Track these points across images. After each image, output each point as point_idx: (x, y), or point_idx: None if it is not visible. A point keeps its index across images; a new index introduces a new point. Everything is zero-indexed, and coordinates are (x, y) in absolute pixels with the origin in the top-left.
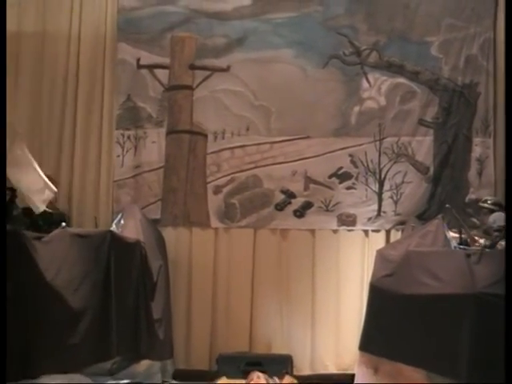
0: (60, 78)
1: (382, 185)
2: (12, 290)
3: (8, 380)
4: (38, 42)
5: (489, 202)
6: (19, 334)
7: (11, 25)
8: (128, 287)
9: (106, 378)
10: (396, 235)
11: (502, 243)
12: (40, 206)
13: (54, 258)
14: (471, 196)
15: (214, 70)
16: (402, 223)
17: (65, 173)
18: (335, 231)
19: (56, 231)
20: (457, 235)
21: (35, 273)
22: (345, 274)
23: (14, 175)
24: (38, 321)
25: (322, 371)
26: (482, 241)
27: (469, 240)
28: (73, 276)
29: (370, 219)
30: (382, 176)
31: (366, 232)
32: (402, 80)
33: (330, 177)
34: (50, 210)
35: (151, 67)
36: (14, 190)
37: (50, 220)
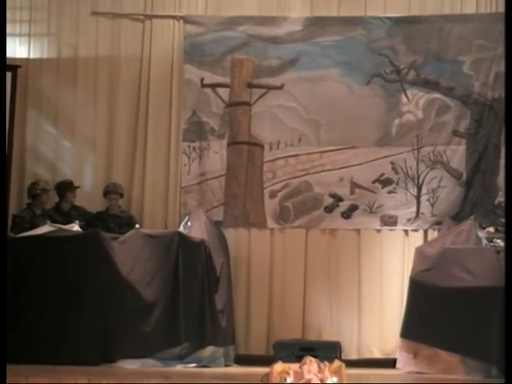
0: (133, 96)
1: (420, 189)
2: (93, 285)
3: (90, 364)
4: (114, 65)
5: None
6: (100, 323)
7: (91, 51)
8: (194, 281)
9: (176, 362)
10: (433, 234)
11: None
12: None
13: (128, 255)
14: (500, 199)
15: (270, 87)
16: (438, 223)
17: (138, 180)
18: (378, 231)
19: (130, 232)
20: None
21: (113, 269)
22: (387, 269)
23: None
24: (116, 311)
25: (367, 356)
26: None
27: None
28: (145, 272)
29: (409, 220)
30: (420, 181)
31: (406, 231)
32: (437, 95)
33: (374, 182)
34: (119, 214)
35: (214, 86)
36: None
37: (119, 222)
